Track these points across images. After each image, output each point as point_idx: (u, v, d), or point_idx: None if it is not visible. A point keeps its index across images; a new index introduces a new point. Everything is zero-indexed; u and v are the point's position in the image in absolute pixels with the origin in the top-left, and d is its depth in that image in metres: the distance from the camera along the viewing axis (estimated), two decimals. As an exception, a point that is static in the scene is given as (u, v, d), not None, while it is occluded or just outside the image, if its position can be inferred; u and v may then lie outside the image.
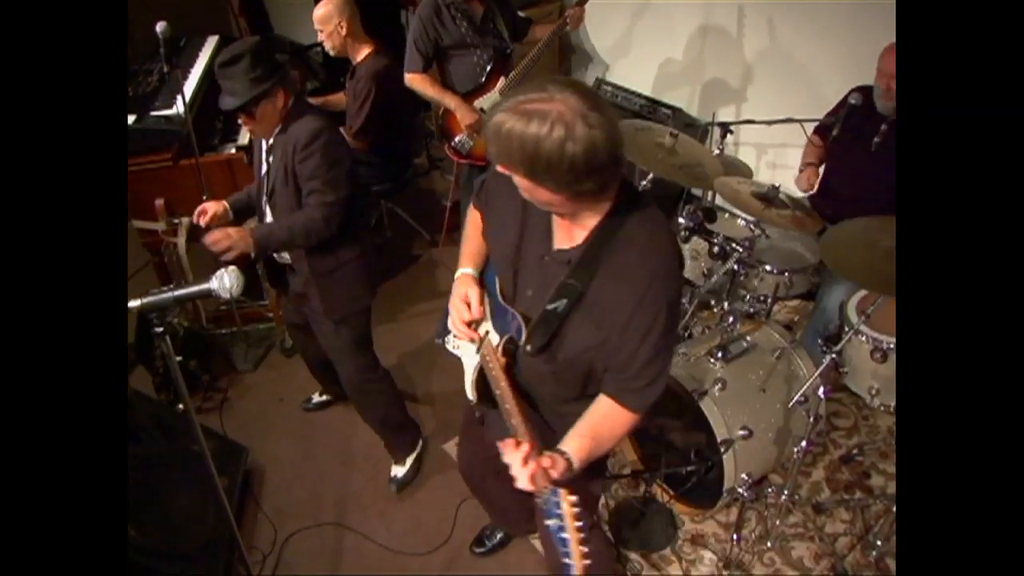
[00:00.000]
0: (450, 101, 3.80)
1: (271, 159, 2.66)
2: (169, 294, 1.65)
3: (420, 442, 3.35)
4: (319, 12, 3.64)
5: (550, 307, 1.71)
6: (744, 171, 3.66)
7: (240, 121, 2.62)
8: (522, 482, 1.58)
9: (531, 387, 1.94)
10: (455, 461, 3.35)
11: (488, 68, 3.83)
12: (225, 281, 1.66)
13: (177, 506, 2.74)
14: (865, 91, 3.03)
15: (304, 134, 2.53)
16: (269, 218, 2.75)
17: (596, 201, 1.63)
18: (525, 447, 1.60)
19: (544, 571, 2.84)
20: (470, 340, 2.01)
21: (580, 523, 1.54)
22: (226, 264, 1.78)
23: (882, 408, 2.80)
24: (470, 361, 2.06)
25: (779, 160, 4.25)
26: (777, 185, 2.91)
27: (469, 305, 1.97)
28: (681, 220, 3.06)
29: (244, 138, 3.79)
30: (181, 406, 3.30)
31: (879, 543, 2.84)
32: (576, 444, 1.71)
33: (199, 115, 3.65)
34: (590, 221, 1.67)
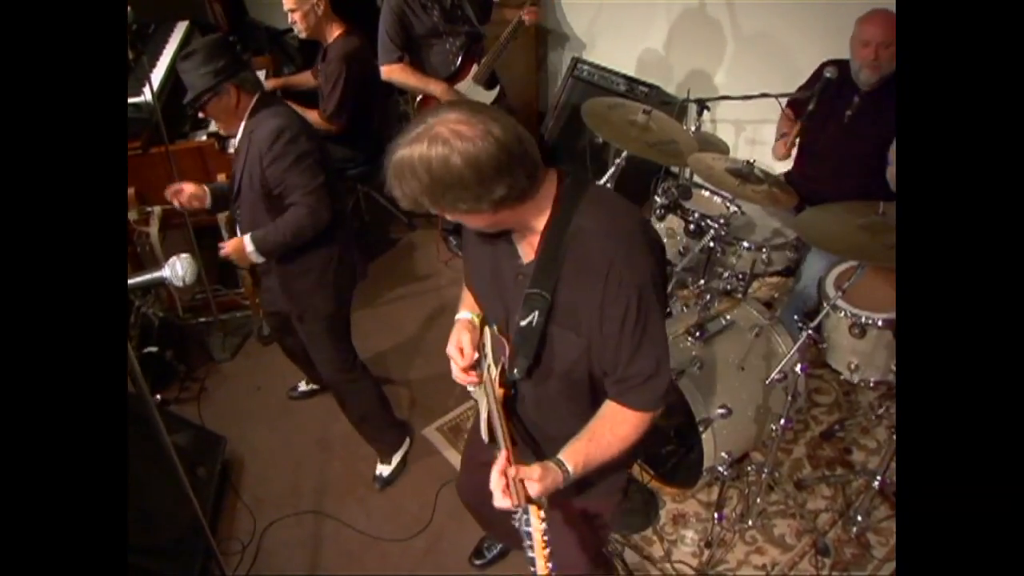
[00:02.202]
0: (435, 88, 3.74)
1: (237, 158, 2.66)
2: (122, 283, 1.61)
3: (407, 441, 3.31)
4: None
5: (523, 323, 1.64)
6: (721, 147, 3.63)
7: (201, 115, 2.66)
8: (496, 497, 1.53)
9: (544, 418, 1.86)
10: (435, 447, 3.34)
11: (460, 55, 3.78)
12: (177, 268, 1.62)
13: (152, 499, 2.70)
14: (840, 64, 3.00)
15: (265, 138, 2.53)
16: (236, 219, 2.77)
17: (527, 204, 1.55)
18: (500, 461, 1.56)
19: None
20: (471, 384, 1.95)
21: (547, 538, 1.48)
22: None
23: (862, 383, 2.80)
24: (481, 400, 1.97)
25: (757, 136, 4.23)
26: (752, 161, 2.88)
27: (463, 351, 1.89)
28: (657, 198, 3.04)
29: (215, 124, 3.74)
30: (160, 396, 3.32)
31: (860, 519, 2.84)
32: (571, 447, 1.64)
33: (169, 102, 3.59)
34: (538, 225, 1.61)
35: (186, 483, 2.05)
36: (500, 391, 1.79)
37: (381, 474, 3.21)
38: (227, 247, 2.67)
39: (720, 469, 2.76)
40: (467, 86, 3.83)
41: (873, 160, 3.06)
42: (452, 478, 3.18)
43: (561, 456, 1.62)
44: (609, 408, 1.70)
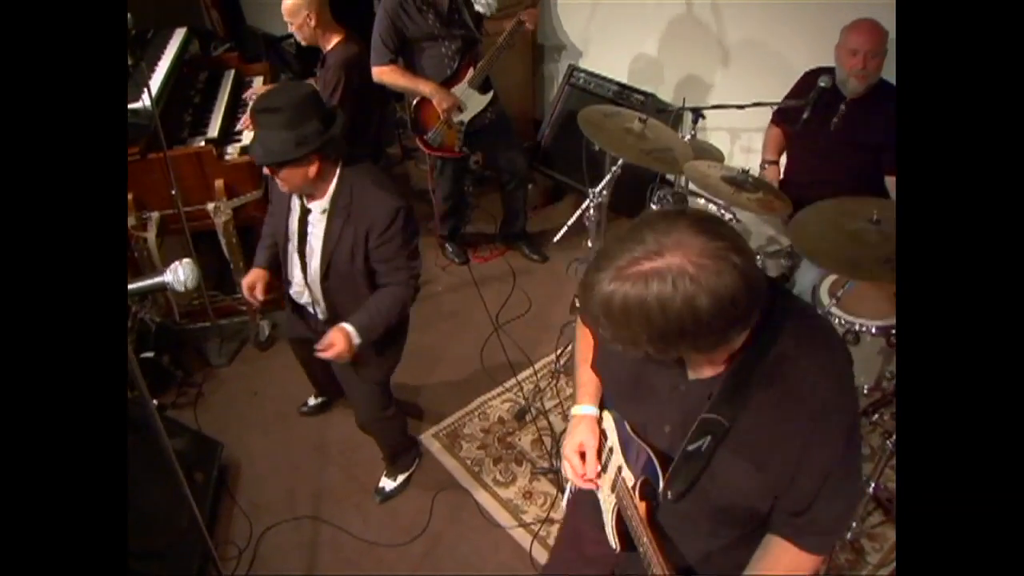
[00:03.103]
0: (424, 88, 3.79)
1: (313, 228, 2.53)
2: (123, 288, 1.62)
3: (416, 462, 3.31)
4: (288, 4, 3.60)
5: (691, 448, 1.43)
6: (716, 155, 3.66)
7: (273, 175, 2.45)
8: None
9: (680, 532, 1.64)
10: (432, 453, 3.35)
11: (458, 59, 3.82)
12: (179, 273, 1.63)
13: (149, 504, 2.71)
14: (830, 72, 3.04)
15: (382, 217, 2.41)
16: (318, 294, 2.65)
17: None
18: None
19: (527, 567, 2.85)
20: (589, 488, 1.79)
21: None
22: None
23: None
24: (604, 499, 1.78)
25: (752, 144, 4.25)
26: (746, 169, 2.90)
27: (583, 455, 1.73)
28: (653, 206, 3.06)
29: (213, 130, 3.76)
30: (157, 401, 3.31)
31: (854, 524, 2.85)
32: None
33: (167, 108, 3.61)
34: (735, 343, 1.36)
35: (186, 487, 2.05)
36: (642, 504, 1.61)
37: (384, 487, 3.20)
38: (338, 346, 2.45)
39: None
40: (462, 89, 3.86)
41: (861, 166, 3.09)
42: (449, 484, 3.21)
43: None
44: (780, 548, 1.49)
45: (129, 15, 3.08)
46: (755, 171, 2.96)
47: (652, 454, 1.54)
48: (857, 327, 2.63)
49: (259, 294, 2.70)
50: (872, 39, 2.95)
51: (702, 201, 3.32)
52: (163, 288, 1.65)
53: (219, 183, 3.51)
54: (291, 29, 3.69)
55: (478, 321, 4.10)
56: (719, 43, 4.24)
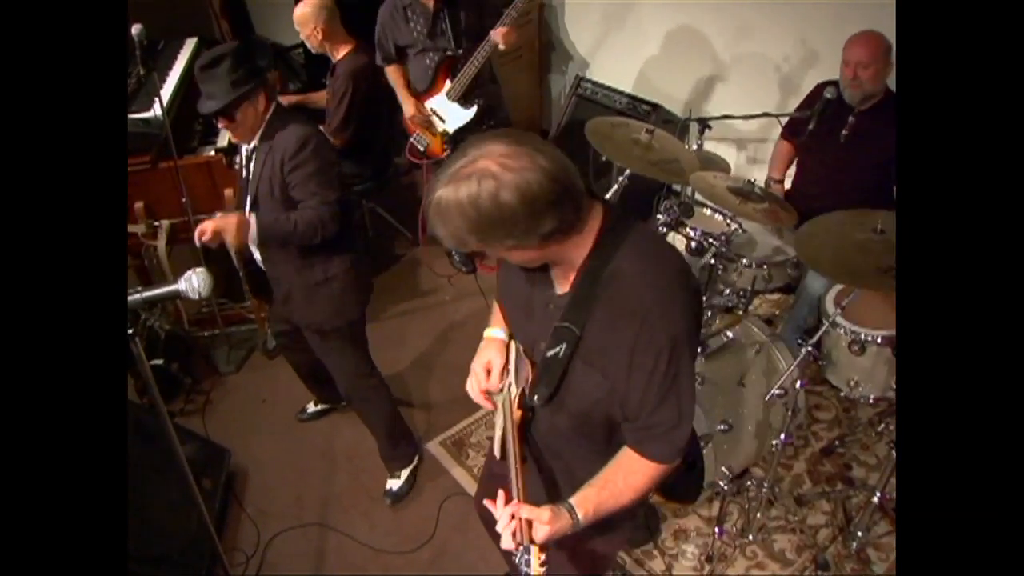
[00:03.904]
0: (399, 94, 3.96)
1: (251, 166, 2.64)
2: (138, 296, 1.64)
3: (417, 457, 3.32)
4: (298, 13, 3.65)
5: (549, 353, 1.60)
6: (722, 166, 3.67)
7: (220, 125, 2.60)
8: (504, 539, 1.50)
9: (554, 445, 1.83)
10: (438, 461, 3.36)
11: (435, 70, 3.88)
12: (193, 282, 1.65)
13: (157, 509, 2.73)
14: (838, 84, 3.05)
15: (292, 142, 2.51)
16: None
17: (575, 237, 1.50)
18: (514, 502, 1.54)
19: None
20: (486, 407, 1.93)
21: None
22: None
23: (861, 400, 2.83)
24: (497, 417, 1.94)
25: (758, 155, 4.27)
26: (752, 180, 2.92)
27: (489, 373, 1.86)
28: (659, 216, 3.07)
29: (223, 140, 3.78)
30: (166, 407, 3.33)
31: (860, 534, 2.86)
32: (582, 494, 1.60)
33: (178, 117, 3.64)
34: (578, 260, 1.55)
35: (196, 493, 2.07)
36: (518, 412, 1.77)
37: (391, 488, 3.22)
38: (226, 219, 2.53)
39: (721, 484, 2.79)
40: (440, 100, 3.91)
41: (870, 178, 3.10)
42: (455, 492, 3.22)
43: (572, 501, 1.58)
44: (625, 456, 1.64)
45: (141, 26, 3.12)
46: (760, 181, 2.97)
47: (531, 367, 1.73)
48: (863, 337, 2.64)
49: (208, 235, 2.60)
50: (864, 51, 2.98)
51: (708, 211, 3.34)
52: (177, 296, 1.67)
53: (229, 192, 3.54)
54: (301, 36, 3.73)
55: (485, 330, 4.10)
56: (726, 54, 4.26)
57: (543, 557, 1.47)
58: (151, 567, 2.58)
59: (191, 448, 3.17)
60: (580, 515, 1.57)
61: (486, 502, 1.61)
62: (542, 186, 1.35)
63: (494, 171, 1.34)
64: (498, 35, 3.64)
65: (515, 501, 1.56)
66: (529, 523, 1.51)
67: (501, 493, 1.58)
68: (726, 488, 2.78)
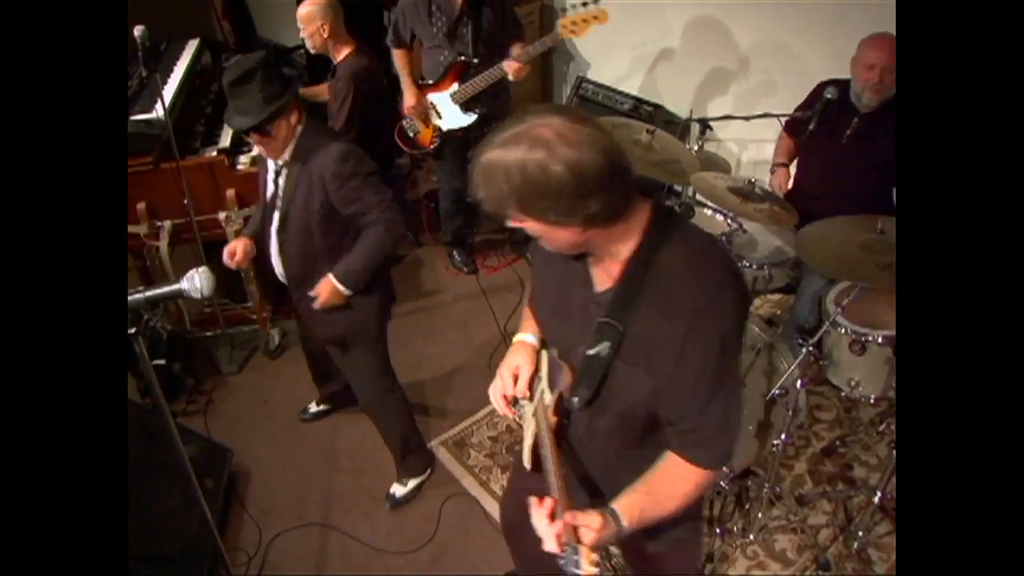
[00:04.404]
0: (404, 80, 3.98)
1: (280, 183, 2.59)
2: (140, 295, 1.65)
3: (428, 471, 3.31)
4: (303, 11, 3.64)
5: (591, 352, 1.54)
6: (723, 166, 3.68)
7: (252, 140, 2.53)
8: (548, 542, 1.44)
9: (593, 449, 1.77)
10: (440, 461, 3.37)
11: (445, 67, 3.90)
12: (196, 281, 1.66)
13: (159, 509, 2.74)
14: (840, 85, 3.04)
15: (333, 160, 2.46)
16: (275, 247, 2.69)
17: (617, 227, 1.45)
18: (549, 502, 1.48)
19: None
20: (504, 414, 1.87)
21: None
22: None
23: (863, 400, 2.83)
24: (528, 427, 1.87)
25: (759, 156, 4.27)
26: (753, 180, 2.92)
27: (516, 379, 1.81)
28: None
29: (225, 140, 3.79)
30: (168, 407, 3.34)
31: (861, 534, 2.86)
32: (627, 500, 1.53)
33: (180, 118, 3.65)
34: (623, 253, 1.50)
35: (199, 492, 2.08)
36: (554, 419, 1.70)
37: (394, 494, 3.22)
38: (323, 293, 2.57)
39: (722, 484, 2.79)
40: (442, 98, 3.95)
41: (872, 181, 3.10)
42: (457, 492, 3.22)
43: (616, 507, 1.52)
44: (670, 462, 1.58)
45: (144, 27, 3.13)
46: (762, 182, 2.97)
47: (570, 372, 1.65)
48: (863, 337, 2.64)
49: (239, 256, 2.66)
50: (890, 53, 2.92)
51: (708, 211, 3.34)
52: (179, 296, 1.68)
53: (231, 193, 3.55)
54: (302, 35, 3.72)
55: (487, 330, 4.12)
56: (727, 55, 4.26)
57: (594, 557, 1.40)
58: (153, 567, 2.59)
59: (193, 448, 3.17)
60: (624, 522, 1.51)
61: (534, 507, 1.50)
62: (594, 164, 1.32)
63: (549, 139, 1.30)
64: (511, 68, 3.72)
65: (549, 501, 1.50)
66: (574, 527, 1.45)
67: (533, 500, 1.50)
68: (727, 488, 2.78)
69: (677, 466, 1.57)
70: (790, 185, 3.44)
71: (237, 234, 3.56)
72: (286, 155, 2.54)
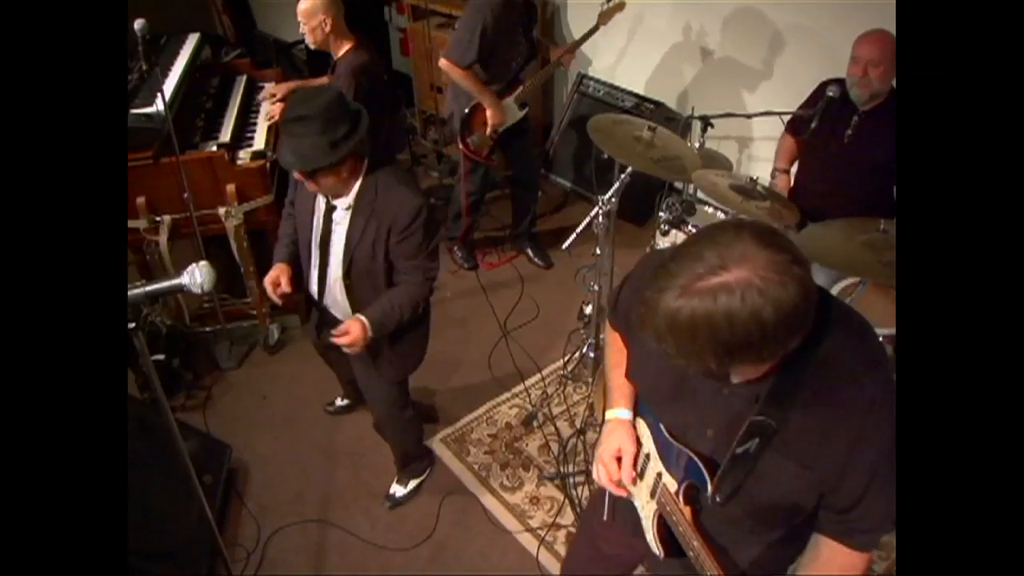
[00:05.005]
0: (487, 99, 3.95)
1: (340, 222, 2.52)
2: (140, 290, 1.64)
3: (428, 471, 3.32)
4: (304, 6, 3.62)
5: (739, 450, 1.42)
6: (724, 164, 3.67)
7: (305, 179, 2.41)
8: None
9: (722, 533, 1.64)
10: (439, 457, 3.37)
11: (514, 73, 4.04)
12: (196, 276, 1.65)
13: (158, 505, 2.73)
14: (842, 83, 3.04)
15: (406, 214, 2.41)
16: (339, 291, 2.64)
17: None
18: None
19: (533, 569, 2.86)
20: (620, 495, 1.76)
21: None
22: None
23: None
24: (642, 505, 1.76)
25: (760, 153, 4.27)
26: (755, 178, 2.92)
27: (619, 460, 1.71)
28: (661, 214, 3.07)
29: (225, 136, 3.78)
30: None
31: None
32: None
33: (180, 112, 3.64)
34: None
35: (198, 488, 2.07)
36: (687, 508, 1.60)
37: (394, 494, 3.21)
38: (353, 334, 2.45)
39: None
40: (508, 102, 4.06)
41: (874, 178, 3.09)
42: (456, 489, 3.22)
43: None
44: (832, 552, 1.50)
45: (144, 20, 3.12)
46: (764, 180, 2.97)
47: (696, 458, 1.53)
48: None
49: (285, 287, 2.63)
50: (874, 49, 2.94)
51: (710, 209, 3.34)
52: (179, 290, 1.67)
53: (231, 187, 3.54)
54: (302, 30, 3.71)
55: (486, 327, 4.12)
56: (728, 52, 4.26)
57: None
58: (152, 562, 2.58)
59: (192, 444, 3.17)
60: None
61: None
62: (802, 299, 1.18)
63: (757, 284, 1.15)
64: (566, 60, 4.14)
65: None
66: None
67: None
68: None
69: (839, 554, 1.49)
70: (794, 170, 3.44)
71: (237, 229, 3.57)
72: (350, 198, 2.45)
